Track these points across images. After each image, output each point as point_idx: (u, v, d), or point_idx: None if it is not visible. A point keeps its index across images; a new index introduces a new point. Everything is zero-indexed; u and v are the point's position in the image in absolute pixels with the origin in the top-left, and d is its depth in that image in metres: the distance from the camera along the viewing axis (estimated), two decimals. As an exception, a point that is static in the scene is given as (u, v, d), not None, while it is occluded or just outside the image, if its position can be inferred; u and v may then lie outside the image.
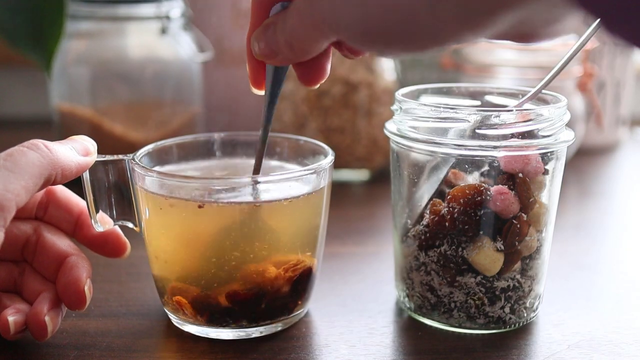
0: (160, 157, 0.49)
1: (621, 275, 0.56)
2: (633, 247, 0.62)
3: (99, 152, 0.44)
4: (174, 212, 0.43)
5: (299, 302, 0.46)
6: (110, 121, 0.75)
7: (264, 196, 0.43)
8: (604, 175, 0.86)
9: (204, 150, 0.51)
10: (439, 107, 0.44)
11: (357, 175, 0.79)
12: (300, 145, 0.51)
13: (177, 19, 0.78)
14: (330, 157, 0.46)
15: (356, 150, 0.78)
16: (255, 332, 0.45)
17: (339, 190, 0.77)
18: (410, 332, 0.47)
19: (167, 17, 0.76)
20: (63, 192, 0.46)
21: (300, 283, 0.45)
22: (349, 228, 0.65)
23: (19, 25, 0.58)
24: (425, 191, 0.46)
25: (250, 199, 0.43)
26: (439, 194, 0.46)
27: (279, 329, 0.46)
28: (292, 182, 0.44)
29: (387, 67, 0.79)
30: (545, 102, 0.47)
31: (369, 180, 0.79)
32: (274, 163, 0.52)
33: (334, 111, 0.77)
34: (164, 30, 0.77)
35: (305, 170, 0.45)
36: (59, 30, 0.60)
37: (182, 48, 0.78)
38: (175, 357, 0.43)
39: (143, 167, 0.44)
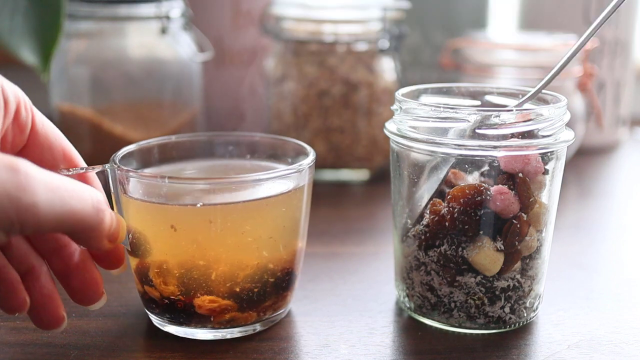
0: (143, 160, 0.49)
1: (621, 275, 0.56)
2: (633, 247, 0.62)
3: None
4: (149, 215, 0.43)
5: (277, 305, 0.46)
6: (110, 121, 0.75)
7: (237, 197, 0.43)
8: (604, 175, 0.86)
9: (188, 152, 0.51)
10: (439, 107, 0.44)
11: (357, 175, 0.79)
12: (279, 145, 0.50)
13: (177, 19, 0.78)
14: (311, 157, 0.46)
15: (356, 150, 0.78)
16: (249, 329, 0.45)
17: (339, 190, 0.77)
18: (410, 332, 0.47)
19: (167, 17, 0.76)
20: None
21: (276, 286, 0.45)
22: (349, 228, 0.65)
23: (16, 27, 0.58)
24: (425, 191, 0.46)
25: (226, 199, 0.42)
26: (439, 194, 0.46)
27: (275, 322, 0.46)
28: (269, 183, 0.43)
29: (387, 67, 0.79)
30: (545, 102, 0.47)
31: (369, 180, 0.79)
32: (250, 163, 0.51)
33: (334, 111, 0.77)
34: (164, 30, 0.77)
35: (284, 170, 0.44)
36: (56, 33, 0.59)
37: (182, 48, 0.78)
38: (175, 356, 0.43)
39: (127, 169, 0.43)
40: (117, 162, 0.44)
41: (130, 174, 0.43)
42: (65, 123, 0.77)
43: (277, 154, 0.51)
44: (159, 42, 0.77)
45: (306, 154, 0.47)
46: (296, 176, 0.45)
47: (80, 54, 0.75)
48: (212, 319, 0.44)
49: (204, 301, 0.43)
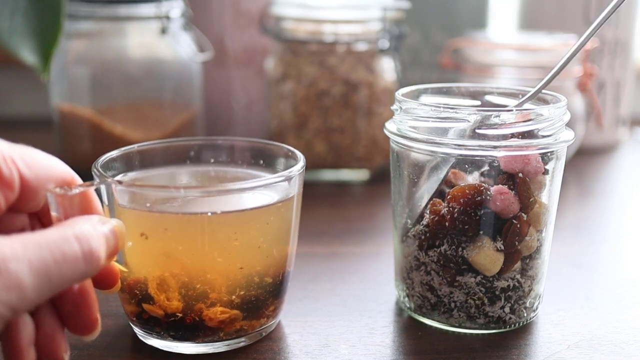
0: (125, 166, 0.48)
1: (621, 275, 0.56)
2: (633, 247, 0.63)
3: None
4: (148, 226, 0.41)
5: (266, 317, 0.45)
6: (110, 121, 0.75)
7: (220, 207, 0.41)
8: (604, 175, 0.86)
9: (173, 158, 0.50)
10: (439, 107, 0.44)
11: (357, 175, 0.79)
12: (267, 149, 0.49)
13: (177, 19, 0.78)
14: (301, 164, 0.44)
15: (356, 150, 0.78)
16: (256, 334, 0.45)
17: (339, 190, 0.77)
18: (410, 332, 0.47)
19: (167, 17, 0.76)
20: None
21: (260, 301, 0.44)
22: (349, 228, 0.65)
23: (16, 27, 0.58)
24: (425, 191, 0.46)
25: (204, 209, 0.41)
26: (439, 194, 0.46)
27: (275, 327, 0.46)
28: (256, 191, 0.42)
29: (387, 67, 0.79)
30: (545, 102, 0.48)
31: (369, 180, 0.79)
32: (238, 170, 0.50)
33: (334, 111, 0.77)
34: (164, 30, 0.77)
35: (273, 177, 0.43)
36: (56, 33, 0.59)
37: (182, 48, 0.78)
38: (175, 357, 0.43)
39: (129, 182, 0.42)
40: (106, 173, 0.42)
41: (132, 187, 0.41)
42: (65, 123, 0.78)
43: (265, 160, 0.49)
44: (159, 42, 0.77)
45: (296, 160, 0.45)
46: (290, 182, 0.43)
47: (80, 54, 0.75)
48: (221, 332, 0.43)
49: (215, 313, 0.42)
